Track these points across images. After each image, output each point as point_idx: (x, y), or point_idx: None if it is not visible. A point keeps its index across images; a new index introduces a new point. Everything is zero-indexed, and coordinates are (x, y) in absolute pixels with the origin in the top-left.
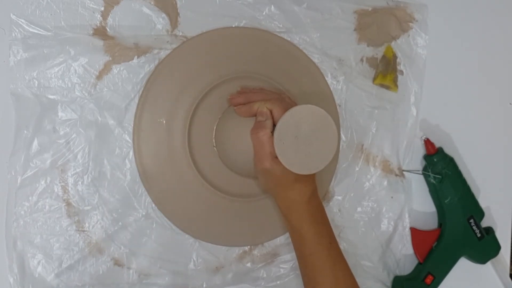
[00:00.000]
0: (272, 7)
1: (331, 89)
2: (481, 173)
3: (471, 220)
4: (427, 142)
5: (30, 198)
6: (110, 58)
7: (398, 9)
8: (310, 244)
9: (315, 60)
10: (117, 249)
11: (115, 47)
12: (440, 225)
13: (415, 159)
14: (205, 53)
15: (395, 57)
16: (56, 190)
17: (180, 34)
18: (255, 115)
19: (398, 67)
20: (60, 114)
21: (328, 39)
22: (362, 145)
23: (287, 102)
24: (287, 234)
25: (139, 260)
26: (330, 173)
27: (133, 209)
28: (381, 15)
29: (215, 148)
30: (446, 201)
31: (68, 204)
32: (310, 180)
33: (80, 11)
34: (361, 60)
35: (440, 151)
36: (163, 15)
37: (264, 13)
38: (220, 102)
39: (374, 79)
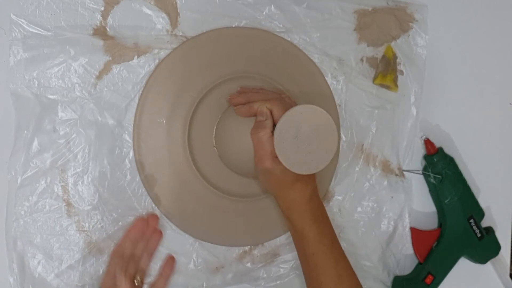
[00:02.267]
0: (272, 7)
1: (331, 89)
2: (481, 173)
3: (471, 220)
4: (427, 142)
5: (30, 198)
6: (110, 58)
7: (398, 9)
8: (313, 244)
9: (315, 60)
10: None
11: (115, 47)
12: (440, 225)
13: (415, 159)
14: (205, 53)
15: (395, 57)
16: (56, 190)
17: (180, 34)
18: (255, 115)
19: (398, 67)
20: (60, 114)
21: (328, 39)
22: (362, 145)
23: (287, 102)
24: (287, 234)
25: None
26: (330, 173)
27: (133, 209)
28: (381, 15)
29: (215, 148)
30: (446, 201)
31: (68, 204)
32: (310, 180)
33: (80, 11)
34: (361, 60)
35: (440, 151)
36: (163, 15)
37: (264, 13)
38: (220, 102)
39: (374, 79)
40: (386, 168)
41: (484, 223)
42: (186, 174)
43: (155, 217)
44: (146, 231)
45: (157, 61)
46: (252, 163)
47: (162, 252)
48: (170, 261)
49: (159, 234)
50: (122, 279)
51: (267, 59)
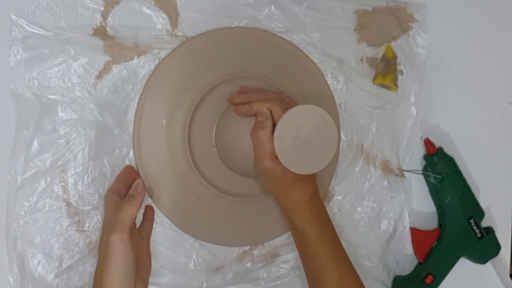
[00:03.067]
0: (272, 7)
1: (331, 89)
2: (481, 173)
3: (471, 220)
4: (427, 142)
5: (30, 198)
6: (110, 58)
7: (398, 9)
8: (314, 244)
9: (315, 60)
10: None
11: (115, 47)
12: (440, 225)
13: (415, 159)
14: (205, 53)
15: (395, 57)
16: (56, 190)
17: (180, 34)
18: (254, 115)
19: (398, 67)
20: (60, 114)
21: (328, 39)
22: (362, 145)
23: (287, 102)
24: (287, 234)
25: None
26: (330, 173)
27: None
28: (381, 15)
29: (215, 148)
30: (446, 201)
31: (68, 204)
32: (310, 180)
33: (80, 11)
34: (361, 60)
35: (440, 151)
36: (163, 15)
37: (264, 13)
38: (220, 102)
39: (374, 79)
40: (386, 168)
41: (484, 223)
42: (186, 174)
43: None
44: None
45: (157, 61)
46: (252, 163)
47: (162, 252)
48: (150, 208)
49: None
50: None
51: (267, 59)
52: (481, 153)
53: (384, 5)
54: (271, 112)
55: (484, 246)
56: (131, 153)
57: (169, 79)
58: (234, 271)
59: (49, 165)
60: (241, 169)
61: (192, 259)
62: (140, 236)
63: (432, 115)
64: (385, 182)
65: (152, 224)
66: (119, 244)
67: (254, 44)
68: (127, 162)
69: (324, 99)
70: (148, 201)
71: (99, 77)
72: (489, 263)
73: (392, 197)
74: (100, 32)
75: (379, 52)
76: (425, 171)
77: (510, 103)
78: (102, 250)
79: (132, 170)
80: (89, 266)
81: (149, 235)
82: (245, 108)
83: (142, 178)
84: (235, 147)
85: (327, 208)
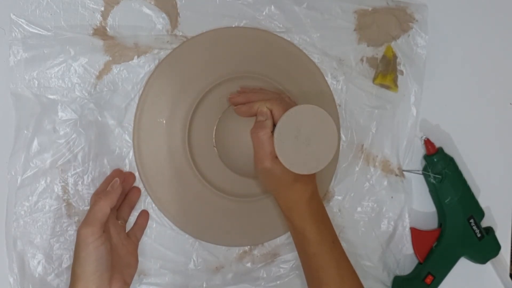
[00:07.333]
0: (272, 7)
1: (331, 89)
2: (481, 173)
3: (471, 220)
4: (427, 142)
5: (30, 198)
6: (110, 58)
7: (398, 9)
8: (314, 245)
9: (315, 60)
10: None
11: (115, 47)
12: (440, 225)
13: (415, 159)
14: (205, 53)
15: (395, 57)
16: (56, 190)
17: (180, 34)
18: (255, 115)
19: (398, 67)
20: (60, 114)
21: (328, 39)
22: (362, 145)
23: (287, 102)
24: (287, 234)
25: (139, 260)
26: (330, 173)
27: (133, 209)
28: (381, 15)
29: (215, 148)
30: (446, 201)
31: (68, 204)
32: (310, 180)
33: (80, 11)
34: (361, 60)
35: (440, 151)
36: (163, 15)
37: (264, 13)
38: (220, 102)
39: (374, 79)
40: (386, 168)
41: (484, 223)
42: (186, 174)
43: (132, 175)
44: (124, 184)
45: (157, 61)
46: (252, 163)
47: (162, 252)
48: (145, 213)
49: (138, 190)
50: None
51: (267, 59)
52: (481, 153)
53: (384, 5)
54: (271, 112)
55: (484, 246)
56: (131, 153)
57: (169, 79)
58: (234, 271)
59: (49, 165)
60: (241, 169)
61: (192, 259)
62: (126, 236)
63: (432, 115)
64: (385, 182)
65: (143, 230)
66: (90, 238)
67: (254, 44)
68: (127, 162)
69: (324, 99)
70: (148, 200)
71: (99, 77)
72: (489, 263)
73: (392, 197)
74: (100, 32)
75: (379, 52)
76: (425, 171)
77: (510, 103)
78: (75, 244)
79: (120, 172)
80: None
81: (137, 238)
82: (245, 108)
83: (142, 178)
84: (235, 147)
85: (327, 208)
